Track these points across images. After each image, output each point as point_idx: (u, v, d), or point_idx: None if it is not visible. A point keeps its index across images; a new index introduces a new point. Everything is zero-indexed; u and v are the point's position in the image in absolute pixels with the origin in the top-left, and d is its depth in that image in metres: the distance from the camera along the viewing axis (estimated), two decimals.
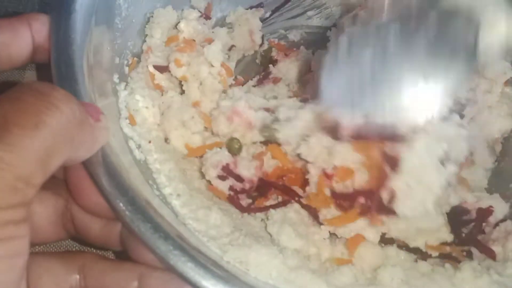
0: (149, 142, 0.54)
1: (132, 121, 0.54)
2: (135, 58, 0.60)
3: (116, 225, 0.45)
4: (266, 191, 0.59)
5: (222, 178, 0.57)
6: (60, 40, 0.48)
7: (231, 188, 0.58)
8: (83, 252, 0.46)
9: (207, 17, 0.68)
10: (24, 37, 0.47)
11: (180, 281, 0.42)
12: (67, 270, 0.43)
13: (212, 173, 0.57)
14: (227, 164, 0.57)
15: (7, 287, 0.33)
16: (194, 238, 0.47)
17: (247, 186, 0.58)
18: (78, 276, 0.43)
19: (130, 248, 0.44)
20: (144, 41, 0.62)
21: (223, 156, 0.57)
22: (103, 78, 0.53)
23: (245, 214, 0.58)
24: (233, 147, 0.59)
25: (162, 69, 0.61)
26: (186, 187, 0.53)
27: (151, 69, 0.60)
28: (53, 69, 0.47)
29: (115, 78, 0.55)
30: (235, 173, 0.57)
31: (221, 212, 0.52)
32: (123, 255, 0.45)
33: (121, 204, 0.42)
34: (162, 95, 0.61)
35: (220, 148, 0.59)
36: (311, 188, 0.56)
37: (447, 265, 0.54)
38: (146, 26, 0.62)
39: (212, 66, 0.60)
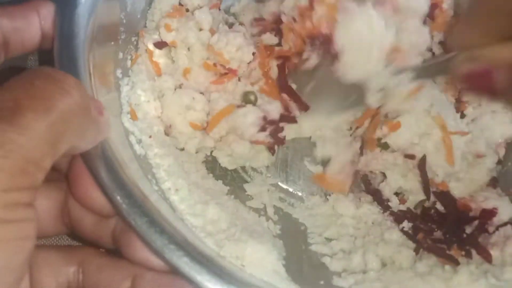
0: (150, 137, 0.55)
1: (134, 116, 0.54)
2: (138, 54, 0.60)
3: (109, 222, 0.45)
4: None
5: (262, 129, 0.60)
6: (63, 34, 0.48)
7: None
8: (83, 247, 0.47)
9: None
10: (34, 24, 0.48)
11: (172, 285, 0.42)
12: (67, 263, 0.43)
13: (253, 131, 0.59)
14: (264, 117, 0.60)
15: (15, 270, 0.34)
16: (190, 233, 0.47)
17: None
18: (76, 270, 0.43)
19: (123, 246, 0.44)
20: (145, 26, 0.62)
21: (255, 112, 0.59)
22: (106, 72, 0.53)
23: (240, 208, 0.59)
24: (250, 99, 0.61)
25: (161, 44, 0.61)
26: (185, 182, 0.53)
27: (151, 46, 0.60)
28: (56, 62, 0.48)
29: (118, 73, 0.55)
30: (272, 120, 0.61)
31: (218, 207, 0.53)
32: (116, 253, 0.45)
33: (118, 198, 0.43)
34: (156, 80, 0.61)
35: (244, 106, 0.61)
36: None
37: (447, 267, 0.54)
38: (148, 11, 0.62)
39: (201, 29, 0.61)
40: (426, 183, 0.62)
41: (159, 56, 0.61)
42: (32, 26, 0.48)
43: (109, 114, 0.45)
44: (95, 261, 0.44)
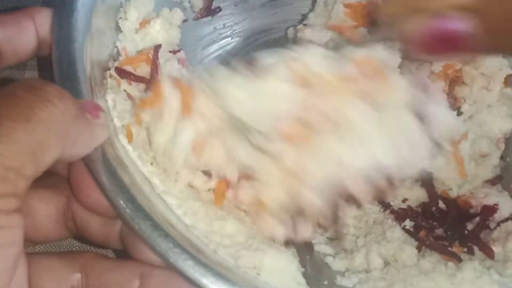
0: (151, 164, 0.51)
1: (129, 137, 0.50)
2: (114, 61, 0.54)
3: (116, 223, 0.45)
4: None
5: None
6: (62, 38, 0.48)
7: None
8: (84, 251, 0.47)
9: (202, 16, 0.68)
10: (29, 32, 0.48)
11: (181, 279, 0.42)
12: (69, 269, 0.43)
13: None
14: None
15: None
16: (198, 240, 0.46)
17: None
18: (79, 275, 0.43)
19: (130, 246, 0.44)
20: (118, 28, 0.57)
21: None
22: (104, 77, 0.53)
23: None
24: None
25: (125, 74, 0.53)
26: (201, 204, 0.50)
27: (113, 72, 0.52)
28: (55, 67, 0.48)
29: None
30: None
31: (237, 221, 0.51)
32: (123, 254, 0.46)
33: (121, 202, 0.43)
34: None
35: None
36: None
37: (450, 264, 0.54)
38: (121, 9, 0.57)
39: None
40: (433, 196, 0.61)
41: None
42: (25, 34, 0.48)
43: (106, 117, 0.45)
44: (98, 264, 0.44)
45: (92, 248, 0.57)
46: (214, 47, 0.72)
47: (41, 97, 0.37)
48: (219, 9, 0.70)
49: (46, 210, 0.46)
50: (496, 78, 0.64)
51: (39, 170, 0.36)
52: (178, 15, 0.60)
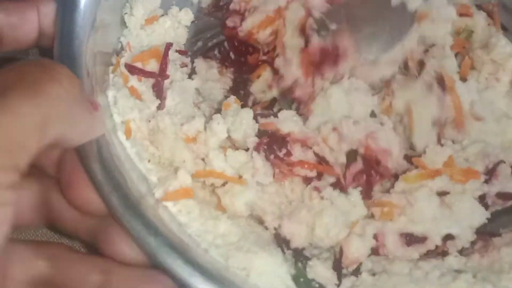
0: (148, 161, 0.51)
1: (128, 133, 0.50)
2: (118, 57, 0.54)
3: (88, 219, 0.45)
4: None
5: None
6: (64, 34, 0.49)
7: None
8: (53, 242, 0.48)
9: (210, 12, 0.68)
10: (31, 21, 0.49)
11: (146, 280, 0.42)
12: (37, 257, 0.43)
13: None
14: None
15: None
16: (191, 240, 0.47)
17: None
18: (46, 264, 0.43)
19: (100, 240, 0.44)
20: (123, 23, 0.57)
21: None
22: (104, 74, 0.53)
23: (252, 223, 0.56)
24: None
25: (136, 70, 0.54)
26: (196, 202, 0.50)
27: (123, 69, 0.53)
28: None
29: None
30: None
31: (230, 221, 0.51)
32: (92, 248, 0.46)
33: (113, 198, 0.43)
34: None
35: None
36: None
37: (445, 275, 0.53)
38: (127, 4, 0.57)
39: None
40: None
41: (136, 81, 0.54)
42: (28, 23, 0.48)
43: (104, 113, 0.45)
44: (65, 256, 0.44)
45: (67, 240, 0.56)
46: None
47: (50, 75, 0.38)
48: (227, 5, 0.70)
49: (26, 197, 0.46)
50: (506, 66, 0.61)
51: (40, 146, 0.36)
52: (188, 15, 0.60)
